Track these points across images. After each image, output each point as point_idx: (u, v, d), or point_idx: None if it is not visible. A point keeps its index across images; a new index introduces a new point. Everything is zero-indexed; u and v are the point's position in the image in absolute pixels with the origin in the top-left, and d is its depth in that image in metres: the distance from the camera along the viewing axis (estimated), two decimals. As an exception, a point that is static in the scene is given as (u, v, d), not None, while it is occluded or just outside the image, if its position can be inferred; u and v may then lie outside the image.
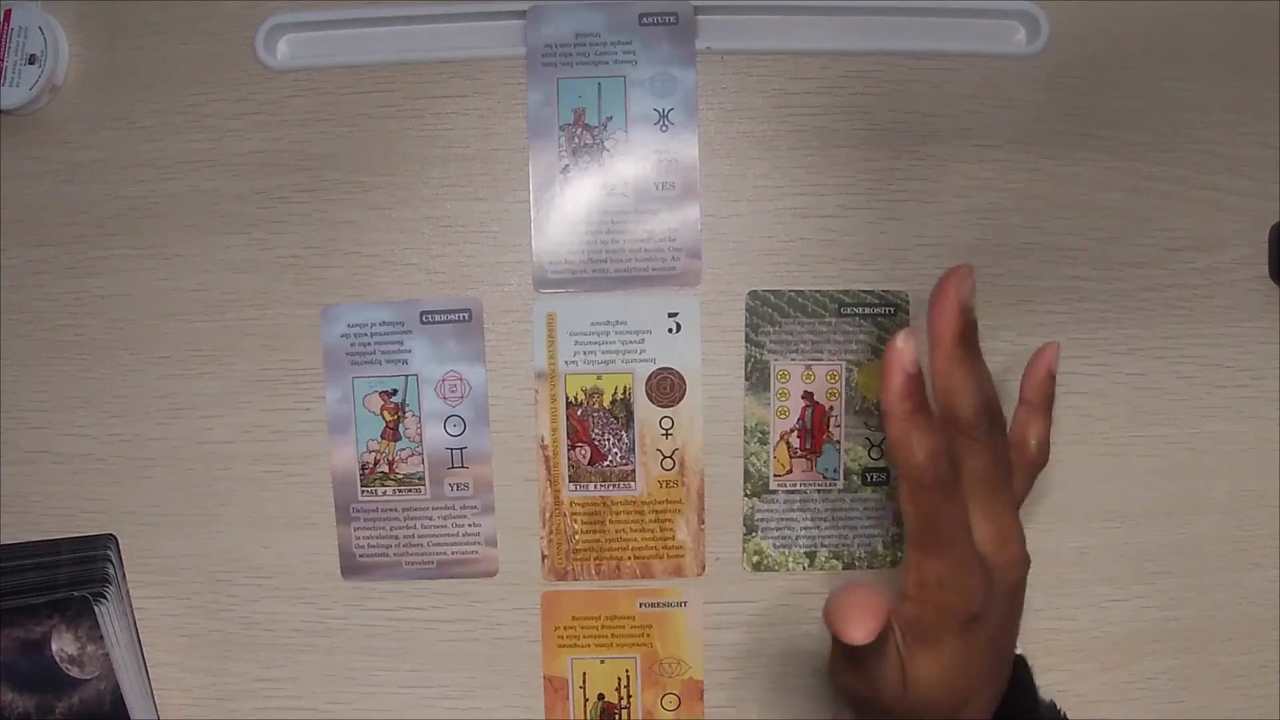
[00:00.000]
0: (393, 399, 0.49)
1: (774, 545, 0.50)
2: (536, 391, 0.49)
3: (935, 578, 0.36)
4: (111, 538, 0.50)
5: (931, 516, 0.36)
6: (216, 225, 0.49)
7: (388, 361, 0.49)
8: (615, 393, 0.49)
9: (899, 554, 0.50)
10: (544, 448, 0.50)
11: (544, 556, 0.50)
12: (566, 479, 0.50)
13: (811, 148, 0.49)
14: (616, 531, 0.50)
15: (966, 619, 0.37)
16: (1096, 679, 0.50)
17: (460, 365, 0.49)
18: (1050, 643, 0.48)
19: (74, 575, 0.48)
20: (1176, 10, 0.49)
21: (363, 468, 0.49)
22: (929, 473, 0.35)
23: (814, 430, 0.50)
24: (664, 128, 0.48)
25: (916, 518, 0.36)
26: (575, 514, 0.50)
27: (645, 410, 0.49)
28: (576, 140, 0.48)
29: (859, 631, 0.35)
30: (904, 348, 0.34)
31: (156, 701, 0.50)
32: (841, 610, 0.36)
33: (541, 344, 0.49)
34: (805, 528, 0.50)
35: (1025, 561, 0.38)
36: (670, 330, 0.49)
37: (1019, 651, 0.45)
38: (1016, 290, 0.49)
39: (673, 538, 0.50)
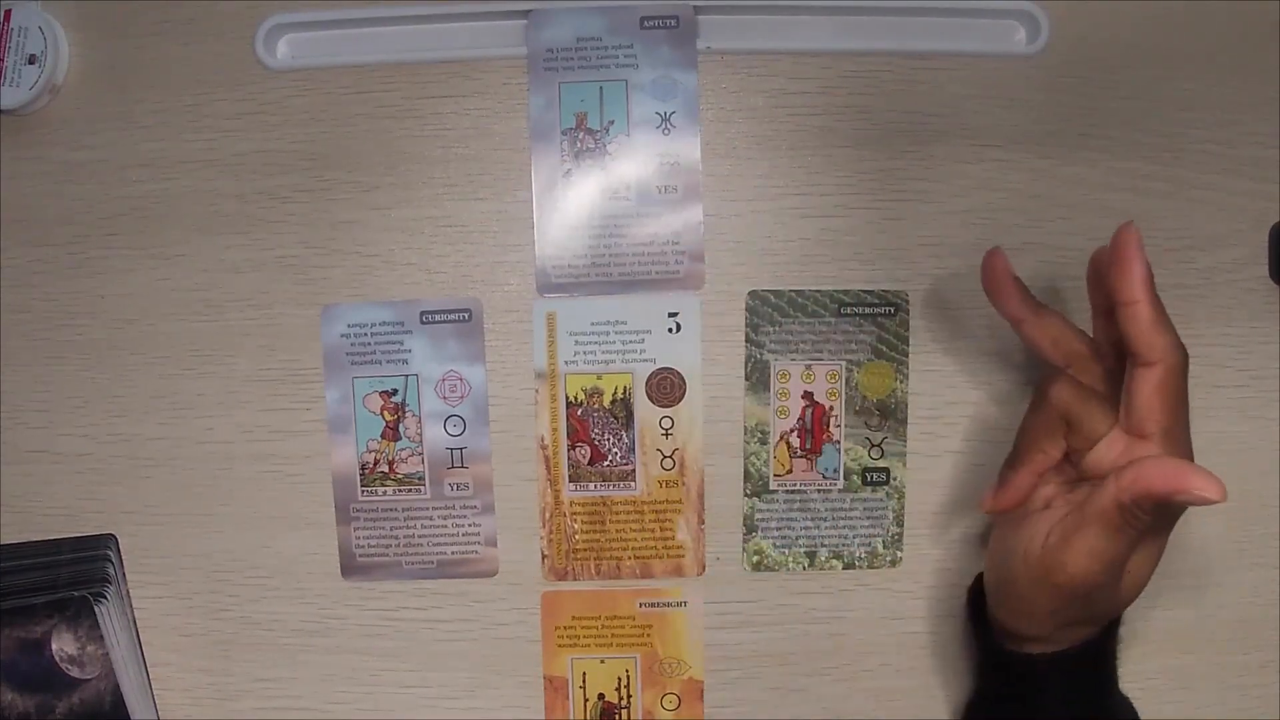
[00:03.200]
0: (393, 399, 0.49)
1: (774, 545, 0.50)
2: (536, 391, 0.49)
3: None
4: (111, 538, 0.50)
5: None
6: (216, 225, 0.49)
7: (388, 361, 0.49)
8: (615, 393, 0.49)
9: (899, 554, 0.50)
10: (544, 448, 0.50)
11: (544, 556, 0.50)
12: (566, 479, 0.50)
13: (811, 148, 0.49)
14: (616, 531, 0.50)
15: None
16: (1096, 679, 0.50)
17: (460, 365, 0.49)
18: (1050, 643, 0.47)
19: (74, 575, 0.48)
20: (1176, 10, 0.49)
21: (363, 468, 0.49)
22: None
23: (814, 430, 0.50)
24: (666, 131, 0.48)
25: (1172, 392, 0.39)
26: (575, 514, 0.50)
27: (645, 410, 0.49)
28: (579, 144, 0.48)
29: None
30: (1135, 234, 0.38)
31: (156, 701, 0.50)
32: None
33: (541, 344, 0.49)
34: (805, 528, 0.50)
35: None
36: (670, 330, 0.49)
37: None
38: (1016, 290, 0.49)
39: (673, 538, 0.50)
